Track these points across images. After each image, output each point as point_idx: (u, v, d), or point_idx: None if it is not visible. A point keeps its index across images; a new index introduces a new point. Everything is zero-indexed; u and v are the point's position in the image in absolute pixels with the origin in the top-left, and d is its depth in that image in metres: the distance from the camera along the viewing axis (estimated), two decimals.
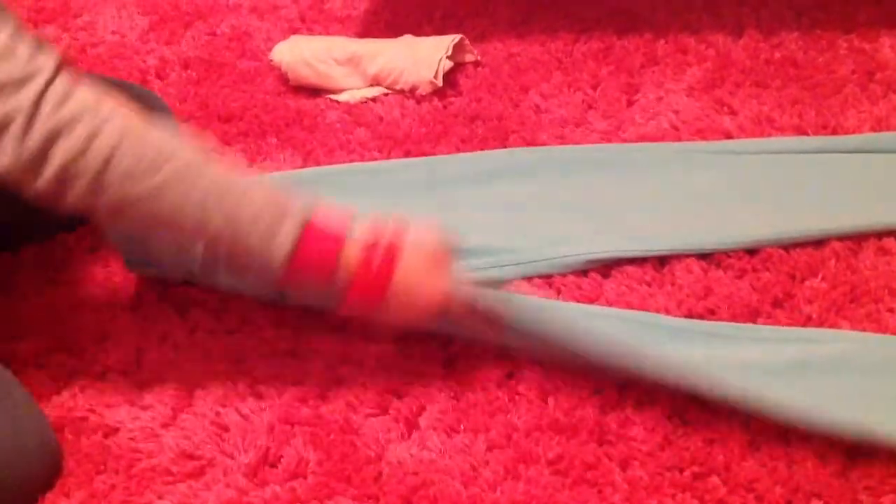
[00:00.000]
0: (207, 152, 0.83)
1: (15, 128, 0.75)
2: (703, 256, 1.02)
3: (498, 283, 0.96)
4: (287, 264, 0.82)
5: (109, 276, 1.09)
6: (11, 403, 0.89)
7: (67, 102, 0.77)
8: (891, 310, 0.96)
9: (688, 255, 1.02)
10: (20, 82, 0.75)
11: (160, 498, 0.87)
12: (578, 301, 1.00)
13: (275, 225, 0.81)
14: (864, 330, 0.94)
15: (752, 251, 1.02)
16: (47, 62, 0.77)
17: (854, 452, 0.83)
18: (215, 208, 0.80)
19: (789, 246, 1.02)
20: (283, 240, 0.81)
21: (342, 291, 0.85)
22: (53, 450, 0.91)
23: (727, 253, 1.02)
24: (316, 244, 0.83)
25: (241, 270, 0.98)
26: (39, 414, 0.91)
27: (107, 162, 0.77)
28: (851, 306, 0.97)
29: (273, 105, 1.32)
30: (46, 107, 0.76)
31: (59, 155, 0.76)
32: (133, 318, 1.04)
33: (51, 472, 0.90)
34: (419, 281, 0.86)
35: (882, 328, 0.94)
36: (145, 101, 1.08)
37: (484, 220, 1.08)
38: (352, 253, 0.84)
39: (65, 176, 0.77)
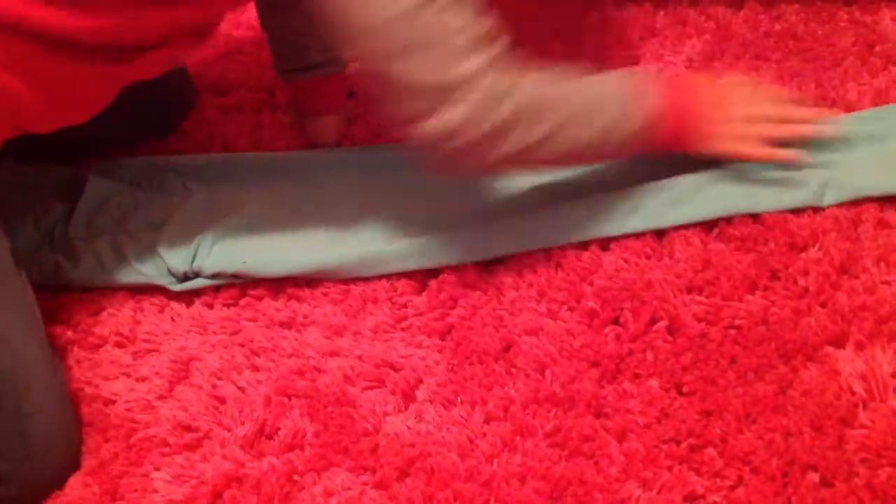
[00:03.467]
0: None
1: (483, 87, 0.82)
2: (706, 227, 1.02)
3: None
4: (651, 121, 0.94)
5: None
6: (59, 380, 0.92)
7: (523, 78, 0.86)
8: (886, 282, 0.96)
9: (688, 227, 1.02)
10: (488, 39, 0.82)
11: (157, 469, 0.87)
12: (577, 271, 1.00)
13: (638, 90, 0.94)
14: (861, 303, 0.94)
15: (755, 219, 1.02)
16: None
17: (851, 425, 0.84)
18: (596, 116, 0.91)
19: (790, 213, 1.02)
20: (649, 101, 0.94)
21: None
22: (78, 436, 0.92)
23: (730, 221, 1.02)
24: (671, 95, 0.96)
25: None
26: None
27: (545, 139, 0.87)
28: (846, 278, 0.97)
29: (270, 77, 1.31)
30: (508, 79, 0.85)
31: (513, 141, 0.85)
32: (129, 290, 1.04)
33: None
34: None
35: (878, 300, 0.94)
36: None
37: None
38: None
39: (498, 136, 0.85)
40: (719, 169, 1.06)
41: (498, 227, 1.03)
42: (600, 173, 1.09)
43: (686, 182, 1.05)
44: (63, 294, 1.04)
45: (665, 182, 1.06)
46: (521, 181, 1.09)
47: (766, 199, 1.03)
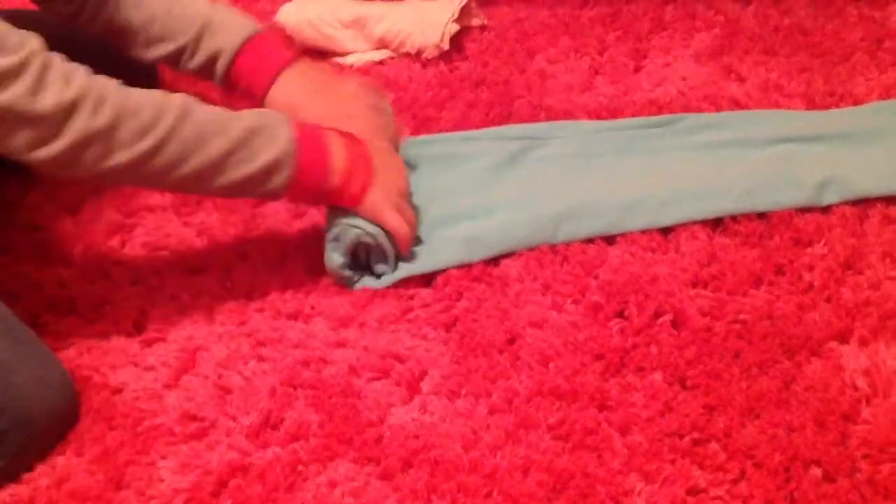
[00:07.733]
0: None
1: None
2: (711, 222, 1.03)
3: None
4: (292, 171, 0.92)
5: (112, 239, 1.10)
6: (32, 340, 0.91)
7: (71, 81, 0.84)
8: (891, 277, 0.96)
9: (693, 222, 1.02)
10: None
11: (163, 458, 0.87)
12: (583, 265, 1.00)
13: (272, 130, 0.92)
14: (865, 298, 0.94)
15: (760, 215, 1.02)
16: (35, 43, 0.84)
17: (853, 420, 0.84)
18: (215, 134, 0.89)
19: (795, 209, 1.02)
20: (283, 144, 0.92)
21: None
22: (72, 385, 0.92)
23: (735, 216, 1.02)
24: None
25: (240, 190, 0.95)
26: (54, 355, 0.93)
27: (116, 123, 0.85)
28: (851, 273, 0.97)
29: None
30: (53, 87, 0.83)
31: (74, 127, 0.83)
32: (138, 280, 1.04)
33: (72, 407, 0.91)
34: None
35: (882, 295, 0.94)
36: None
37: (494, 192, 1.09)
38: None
39: (80, 142, 0.84)
40: (719, 168, 1.07)
41: (499, 225, 1.03)
42: (602, 173, 1.09)
43: (686, 181, 1.05)
44: (72, 283, 1.05)
45: (665, 181, 1.06)
46: (525, 176, 1.09)
47: (764, 198, 1.03)
